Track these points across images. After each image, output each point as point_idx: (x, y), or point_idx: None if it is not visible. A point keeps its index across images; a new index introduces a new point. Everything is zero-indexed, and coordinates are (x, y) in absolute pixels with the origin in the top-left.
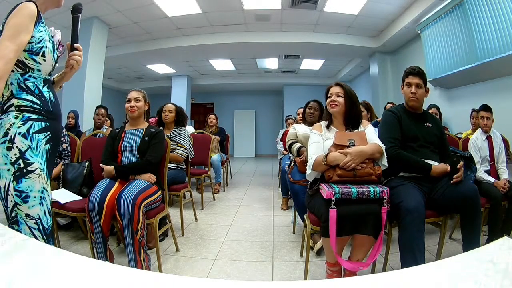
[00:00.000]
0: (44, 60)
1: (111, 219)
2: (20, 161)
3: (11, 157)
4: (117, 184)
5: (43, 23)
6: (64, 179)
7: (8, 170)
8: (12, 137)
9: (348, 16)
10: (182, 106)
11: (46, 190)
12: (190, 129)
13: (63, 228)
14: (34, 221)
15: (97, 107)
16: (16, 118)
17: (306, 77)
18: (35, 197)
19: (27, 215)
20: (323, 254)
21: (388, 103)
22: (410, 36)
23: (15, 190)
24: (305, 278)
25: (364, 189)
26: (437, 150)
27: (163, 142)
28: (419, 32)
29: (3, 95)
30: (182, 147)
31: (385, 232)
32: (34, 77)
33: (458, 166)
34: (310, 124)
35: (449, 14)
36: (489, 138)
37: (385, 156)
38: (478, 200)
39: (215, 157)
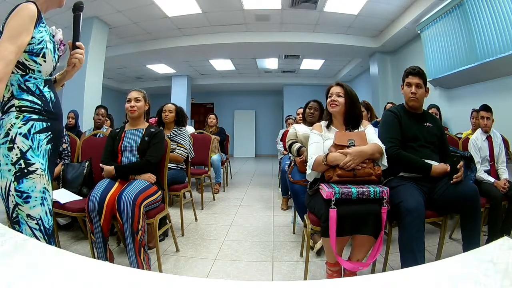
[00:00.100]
0: (45, 61)
1: (111, 219)
2: (21, 161)
3: (12, 158)
4: (117, 184)
5: (43, 23)
6: (64, 179)
7: (9, 170)
8: (13, 137)
9: (348, 16)
10: (182, 106)
11: (47, 190)
12: (190, 129)
13: (63, 228)
14: (35, 221)
15: (97, 107)
16: (17, 118)
17: (306, 77)
18: (36, 197)
19: (28, 215)
20: (323, 254)
21: (388, 103)
22: (410, 36)
23: (16, 190)
24: (305, 278)
25: (364, 189)
26: (437, 150)
27: (163, 142)
28: (419, 32)
29: (3, 96)
30: (182, 147)
31: (385, 232)
32: (34, 78)
33: (458, 166)
34: (310, 124)
35: (449, 14)
36: (489, 138)
37: (385, 156)
38: (478, 200)
39: (215, 157)
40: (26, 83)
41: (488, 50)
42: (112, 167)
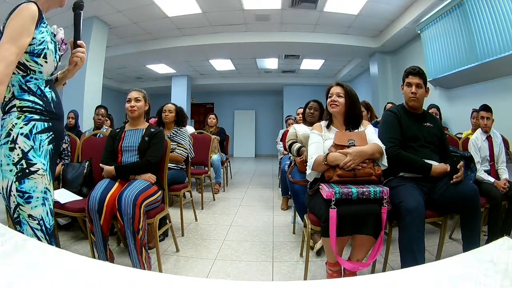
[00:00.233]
0: (46, 61)
1: (111, 219)
2: (23, 161)
3: (14, 158)
4: (117, 184)
5: (45, 23)
6: (64, 179)
7: (11, 170)
8: (15, 137)
9: (348, 16)
10: (182, 106)
11: (49, 190)
12: (190, 129)
13: (63, 228)
14: (36, 221)
15: (97, 107)
16: (18, 118)
17: (306, 77)
18: (37, 197)
19: (29, 215)
20: (323, 254)
21: (388, 103)
22: (410, 36)
23: (17, 190)
24: (305, 278)
25: (364, 189)
26: (437, 150)
27: (163, 142)
28: (419, 32)
29: (4, 96)
30: (182, 147)
31: (385, 232)
32: (35, 79)
33: (458, 166)
34: (310, 124)
35: (449, 14)
36: (489, 138)
37: (385, 156)
38: (478, 200)
39: (215, 157)
40: (27, 83)
41: (488, 50)
42: (112, 167)
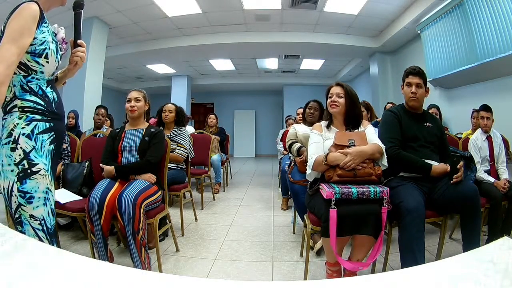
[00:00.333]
0: (47, 62)
1: (111, 219)
2: (25, 161)
3: (15, 158)
4: (117, 184)
5: (46, 23)
6: (64, 179)
7: (12, 171)
8: (16, 137)
9: (348, 16)
10: (182, 106)
11: (50, 190)
12: (190, 129)
13: (63, 228)
14: (38, 222)
15: (97, 107)
16: (20, 118)
17: (306, 77)
18: (39, 197)
19: (31, 216)
20: (323, 254)
21: (388, 103)
22: (410, 36)
23: (19, 191)
24: (305, 278)
25: (364, 189)
26: (437, 150)
27: (163, 142)
28: (419, 32)
29: (6, 96)
30: (182, 147)
31: (385, 232)
32: (37, 79)
33: (458, 166)
34: (310, 124)
35: (449, 14)
36: (489, 138)
37: (385, 156)
38: (478, 200)
39: (215, 157)
40: (28, 83)
41: (488, 50)
42: (112, 167)
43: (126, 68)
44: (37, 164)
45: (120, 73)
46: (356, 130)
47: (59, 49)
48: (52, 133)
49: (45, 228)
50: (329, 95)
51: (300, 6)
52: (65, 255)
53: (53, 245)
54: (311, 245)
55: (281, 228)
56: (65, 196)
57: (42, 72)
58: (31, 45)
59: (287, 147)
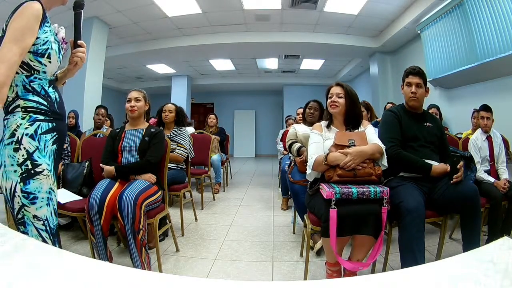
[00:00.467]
0: (50, 62)
1: (111, 219)
2: (28, 162)
3: (18, 158)
4: (117, 184)
5: (48, 22)
6: (64, 179)
7: (15, 171)
8: (19, 138)
9: (348, 16)
10: (182, 106)
11: (53, 190)
12: (190, 129)
13: (63, 228)
14: (41, 222)
15: (97, 107)
16: (23, 119)
17: (306, 77)
18: (42, 198)
19: (34, 216)
20: (323, 254)
21: (388, 103)
22: (410, 36)
23: (22, 191)
24: (305, 278)
25: (364, 189)
26: (437, 150)
27: (163, 142)
28: (419, 32)
29: (8, 96)
30: (182, 147)
31: (385, 232)
32: (39, 79)
33: (458, 166)
34: (310, 124)
35: (449, 14)
36: (489, 138)
37: (385, 156)
38: (478, 200)
39: (215, 157)
40: (31, 83)
41: (488, 50)
42: (112, 167)
43: (126, 68)
44: (40, 164)
45: (120, 73)
46: (356, 130)
47: (61, 49)
48: (55, 133)
49: (48, 228)
50: (329, 95)
51: (300, 6)
52: (65, 255)
53: (55, 245)
54: (311, 245)
55: (281, 228)
56: (65, 196)
57: (44, 72)
58: (33, 44)
59: (287, 147)
